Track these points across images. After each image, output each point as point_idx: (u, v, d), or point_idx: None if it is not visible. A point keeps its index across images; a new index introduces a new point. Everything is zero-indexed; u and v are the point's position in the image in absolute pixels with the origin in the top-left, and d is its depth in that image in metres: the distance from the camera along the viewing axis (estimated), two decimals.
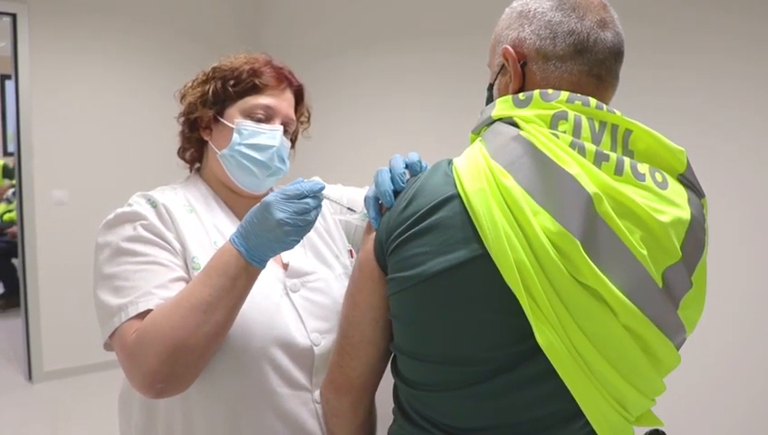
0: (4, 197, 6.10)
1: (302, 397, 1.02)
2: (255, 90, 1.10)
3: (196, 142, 1.15)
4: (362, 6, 3.50)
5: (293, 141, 1.21)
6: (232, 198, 1.13)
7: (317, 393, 1.03)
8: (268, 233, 0.88)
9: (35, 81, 3.53)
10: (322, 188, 0.93)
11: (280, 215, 0.87)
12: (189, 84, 1.15)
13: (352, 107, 3.59)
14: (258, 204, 0.91)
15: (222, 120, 1.10)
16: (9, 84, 3.66)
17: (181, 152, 1.18)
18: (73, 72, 3.65)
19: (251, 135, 1.08)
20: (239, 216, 1.12)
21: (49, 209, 3.61)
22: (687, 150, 0.79)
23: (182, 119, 1.14)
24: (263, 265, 0.91)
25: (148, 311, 0.90)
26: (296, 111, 1.18)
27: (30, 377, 3.61)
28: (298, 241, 0.91)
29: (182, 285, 0.95)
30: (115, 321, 0.91)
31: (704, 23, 2.05)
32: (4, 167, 6.58)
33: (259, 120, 1.09)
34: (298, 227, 0.89)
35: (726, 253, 1.92)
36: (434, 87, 3.09)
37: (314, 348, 1.03)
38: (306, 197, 0.90)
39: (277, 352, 1.00)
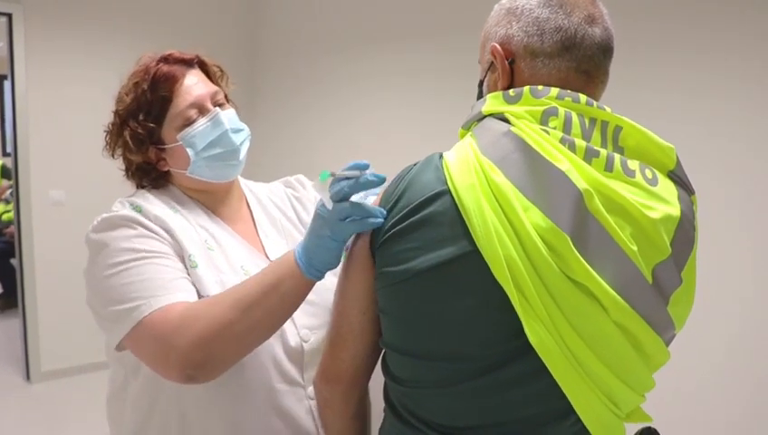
0: (3, 197, 6.10)
1: (297, 393, 1.03)
2: (167, 100, 1.04)
3: (154, 171, 1.10)
4: (359, 6, 3.50)
5: (227, 98, 1.14)
6: (205, 197, 1.11)
7: (310, 389, 1.04)
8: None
9: (31, 81, 3.52)
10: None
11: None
12: (108, 139, 1.09)
13: (350, 106, 3.59)
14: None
15: (166, 146, 1.06)
16: (7, 85, 3.65)
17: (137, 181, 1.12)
18: (69, 72, 3.64)
19: (200, 139, 1.04)
20: (216, 212, 1.11)
21: (46, 209, 3.60)
22: (685, 148, 0.79)
23: (130, 172, 1.10)
24: (311, 271, 0.88)
25: (172, 304, 0.90)
26: (210, 77, 1.12)
27: (28, 377, 3.60)
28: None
29: (185, 276, 0.96)
30: (135, 315, 0.90)
31: (701, 19, 2.05)
32: (3, 167, 6.58)
33: (195, 121, 1.04)
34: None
35: (724, 251, 1.93)
36: (430, 85, 3.09)
37: (304, 344, 1.04)
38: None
39: (276, 348, 1.00)
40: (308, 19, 3.88)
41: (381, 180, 0.82)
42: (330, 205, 0.81)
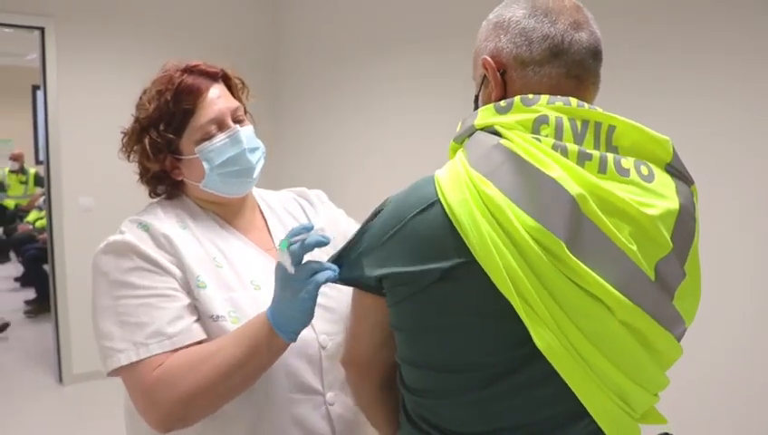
0: (37, 204, 6.29)
1: (314, 400, 1.04)
2: (189, 113, 1.04)
3: (168, 179, 1.11)
4: (380, 10, 3.52)
5: (246, 111, 1.15)
6: (219, 209, 1.12)
7: (329, 395, 1.05)
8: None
9: (63, 91, 3.63)
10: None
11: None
12: (125, 142, 1.10)
13: (370, 112, 3.61)
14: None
15: (183, 157, 1.06)
16: (39, 95, 3.77)
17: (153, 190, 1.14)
18: (99, 82, 3.74)
19: (218, 154, 1.05)
20: (230, 223, 1.12)
21: (76, 216, 3.69)
22: (685, 148, 0.79)
23: (145, 179, 1.11)
24: (288, 335, 0.92)
25: (155, 358, 0.93)
26: (231, 90, 1.12)
27: (60, 379, 3.70)
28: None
29: (184, 315, 0.97)
30: (121, 358, 0.94)
31: (701, 19, 2.02)
32: (36, 175, 6.79)
33: (214, 135, 1.05)
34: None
35: (725, 251, 1.89)
36: (452, 89, 3.09)
37: (322, 351, 1.05)
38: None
39: (291, 358, 1.01)
40: (329, 21, 3.91)
41: (327, 240, 0.88)
42: (292, 270, 0.87)
